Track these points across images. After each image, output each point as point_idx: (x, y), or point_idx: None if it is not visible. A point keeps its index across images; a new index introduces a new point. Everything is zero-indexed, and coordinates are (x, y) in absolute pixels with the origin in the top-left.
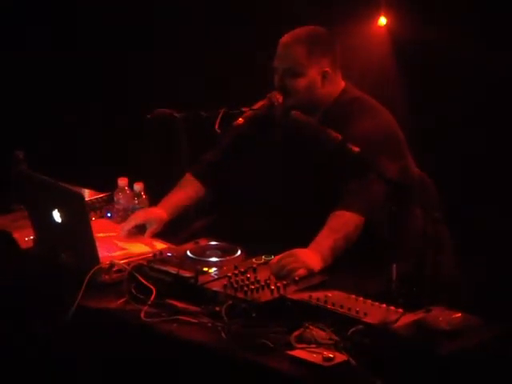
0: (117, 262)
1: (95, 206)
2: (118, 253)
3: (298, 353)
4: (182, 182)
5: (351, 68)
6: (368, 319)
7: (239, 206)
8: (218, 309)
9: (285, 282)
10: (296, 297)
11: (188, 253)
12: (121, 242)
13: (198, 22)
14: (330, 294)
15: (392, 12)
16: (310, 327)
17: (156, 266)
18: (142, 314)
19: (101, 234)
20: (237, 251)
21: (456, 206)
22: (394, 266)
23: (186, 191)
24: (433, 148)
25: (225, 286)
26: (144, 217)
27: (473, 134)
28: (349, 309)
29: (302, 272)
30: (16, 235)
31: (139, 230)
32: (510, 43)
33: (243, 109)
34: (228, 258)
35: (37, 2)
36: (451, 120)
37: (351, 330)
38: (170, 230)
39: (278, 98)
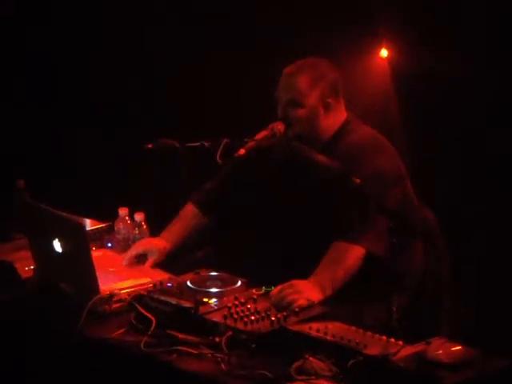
0: (117, 291)
1: (96, 236)
2: (119, 283)
3: None
4: (182, 211)
5: (353, 99)
6: (368, 351)
7: (239, 235)
8: (218, 339)
9: (285, 313)
10: (296, 328)
11: (188, 283)
12: (121, 272)
13: (199, 51)
14: (330, 326)
15: (393, 44)
16: (310, 359)
17: (156, 296)
18: (142, 345)
19: (103, 265)
20: (237, 282)
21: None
22: (395, 297)
23: (187, 220)
24: (433, 178)
25: (225, 317)
26: (145, 246)
27: (474, 164)
28: (349, 340)
29: (302, 303)
30: (17, 264)
31: (140, 260)
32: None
33: (245, 139)
34: (228, 288)
35: (37, 26)
36: (451, 151)
37: (351, 362)
38: (171, 260)
39: (280, 128)
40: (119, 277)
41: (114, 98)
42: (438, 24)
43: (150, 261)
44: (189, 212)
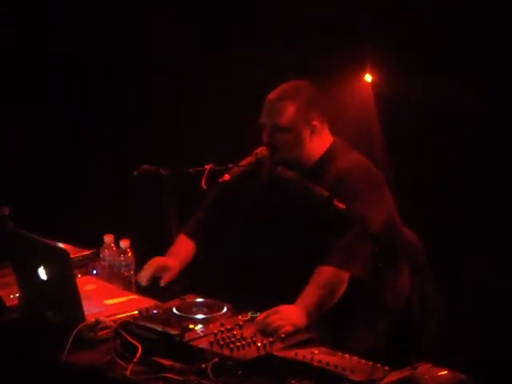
0: (102, 319)
1: (81, 263)
2: (104, 310)
3: None
4: (178, 239)
5: (337, 123)
6: (354, 376)
7: (225, 260)
8: (204, 366)
9: (271, 339)
10: (282, 354)
11: (174, 310)
12: (106, 299)
13: (189, 77)
14: (316, 351)
15: (377, 69)
16: None
17: (142, 323)
18: (128, 372)
19: (89, 292)
20: (223, 308)
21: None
22: (380, 321)
23: (186, 245)
24: (417, 202)
25: (211, 343)
26: (159, 265)
27: (460, 188)
28: (335, 366)
29: (288, 329)
30: (1, 292)
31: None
32: (496, 100)
33: (229, 165)
34: (214, 314)
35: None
36: (437, 175)
37: None
38: (156, 287)
39: (265, 153)
40: (105, 303)
41: (98, 125)
42: (424, 49)
43: (166, 278)
44: (184, 240)
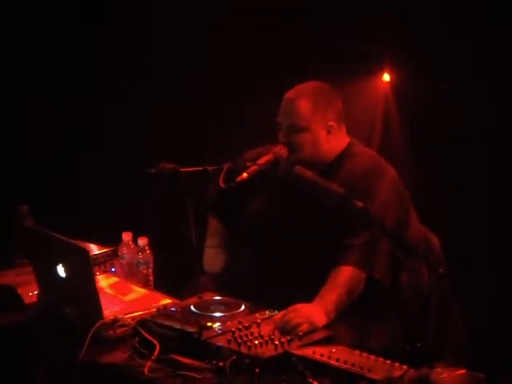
0: (121, 316)
1: (99, 261)
2: (122, 308)
3: None
4: None
5: (355, 123)
6: (372, 375)
7: (243, 259)
8: (221, 364)
9: (289, 338)
10: (300, 352)
11: (192, 308)
12: (125, 297)
13: (200, 75)
14: (334, 350)
15: (395, 68)
16: (314, 383)
17: (160, 321)
18: (146, 370)
19: (107, 290)
20: (241, 306)
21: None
22: (398, 321)
23: None
24: (435, 201)
25: (229, 341)
26: None
27: (475, 189)
28: (353, 364)
29: (305, 327)
30: (20, 290)
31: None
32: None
33: (248, 164)
34: (232, 312)
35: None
36: (454, 175)
37: None
38: (175, 285)
39: (283, 152)
40: (124, 301)
41: (114, 123)
42: (441, 48)
43: None
44: None
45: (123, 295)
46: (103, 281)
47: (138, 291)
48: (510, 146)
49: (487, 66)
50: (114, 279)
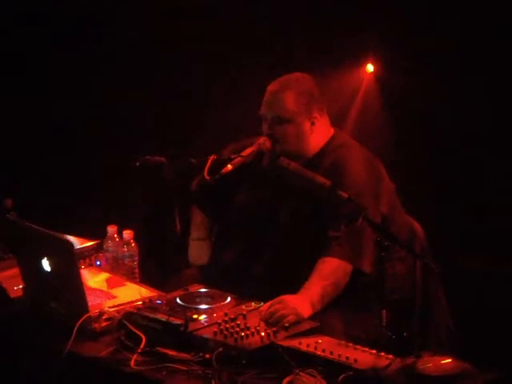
0: (106, 310)
1: (84, 255)
2: (108, 301)
3: None
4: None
5: (339, 113)
6: (358, 365)
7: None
8: (208, 356)
9: (275, 329)
10: (286, 343)
11: (178, 300)
12: (110, 290)
13: (186, 69)
14: (320, 340)
15: (379, 59)
16: (301, 374)
17: (146, 314)
18: (132, 362)
19: (90, 282)
20: (226, 298)
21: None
22: (384, 311)
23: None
24: (418, 189)
25: (215, 333)
26: None
27: (457, 179)
28: (339, 355)
29: (291, 318)
30: (5, 284)
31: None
32: (494, 89)
33: (232, 156)
34: (218, 304)
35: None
36: (435, 166)
37: (342, 377)
38: (160, 278)
39: (267, 144)
40: (109, 294)
41: (99, 117)
42: (424, 38)
43: None
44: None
45: (109, 288)
46: (88, 274)
47: (124, 284)
48: (490, 130)
49: (468, 55)
50: (100, 273)
